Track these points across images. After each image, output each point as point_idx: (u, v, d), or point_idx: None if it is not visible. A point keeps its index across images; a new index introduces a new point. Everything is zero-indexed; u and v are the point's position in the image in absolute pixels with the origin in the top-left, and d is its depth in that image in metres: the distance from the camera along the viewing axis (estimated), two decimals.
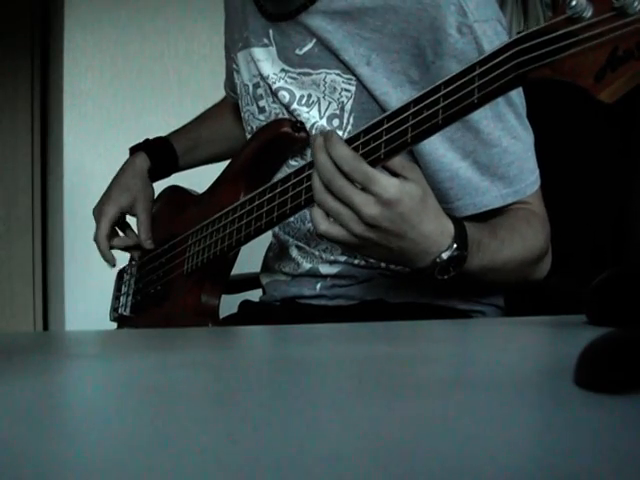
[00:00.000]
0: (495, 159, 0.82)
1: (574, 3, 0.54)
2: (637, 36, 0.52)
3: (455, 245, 0.71)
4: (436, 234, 0.71)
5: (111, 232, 1.07)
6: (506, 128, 0.82)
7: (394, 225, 0.68)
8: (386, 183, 0.66)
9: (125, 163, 1.11)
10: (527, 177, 0.83)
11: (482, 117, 0.80)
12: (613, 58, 0.53)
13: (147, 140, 1.13)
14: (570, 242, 1.01)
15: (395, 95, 0.82)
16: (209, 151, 1.21)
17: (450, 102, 0.63)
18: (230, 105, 1.21)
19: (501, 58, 0.60)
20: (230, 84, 1.15)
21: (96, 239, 1.06)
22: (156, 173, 1.12)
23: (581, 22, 0.54)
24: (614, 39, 0.53)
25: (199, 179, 1.16)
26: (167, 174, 1.15)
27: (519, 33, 0.59)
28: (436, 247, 0.71)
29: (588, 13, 0.54)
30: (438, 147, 0.82)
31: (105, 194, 1.09)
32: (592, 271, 0.56)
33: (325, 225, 0.70)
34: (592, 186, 1.05)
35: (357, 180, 0.67)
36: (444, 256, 0.71)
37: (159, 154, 1.12)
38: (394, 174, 0.68)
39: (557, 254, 0.88)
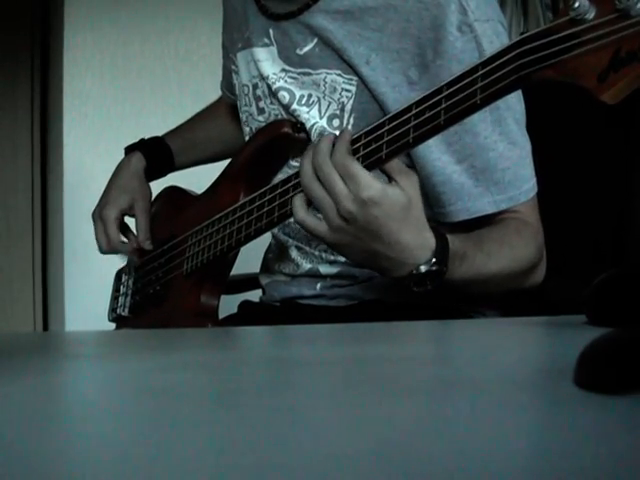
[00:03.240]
0: (491, 164, 0.81)
1: (577, 5, 0.54)
2: None
3: (434, 260, 0.71)
4: (414, 246, 0.70)
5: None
6: (504, 132, 0.81)
7: (370, 226, 0.68)
8: (365, 183, 0.67)
9: (120, 163, 1.10)
10: (522, 184, 0.83)
11: (481, 120, 0.80)
12: (616, 60, 0.53)
13: (142, 140, 1.13)
14: (570, 243, 1.01)
15: (392, 95, 0.82)
16: (204, 151, 1.21)
17: (452, 103, 0.63)
18: (226, 105, 1.21)
19: (504, 59, 0.60)
20: (227, 84, 1.15)
21: (111, 245, 1.05)
22: (151, 173, 1.11)
23: (584, 24, 0.54)
24: (617, 41, 0.53)
25: (198, 179, 1.16)
26: (162, 174, 1.14)
27: (522, 34, 0.59)
28: (413, 259, 0.71)
29: (591, 15, 0.54)
30: (432, 150, 0.82)
31: (103, 197, 1.08)
32: (592, 272, 0.56)
33: (303, 213, 0.71)
34: (592, 187, 1.05)
35: (340, 174, 0.68)
36: (422, 269, 0.71)
37: (154, 154, 1.12)
38: (389, 177, 0.68)
39: (557, 255, 0.88)
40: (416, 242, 0.70)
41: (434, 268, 0.71)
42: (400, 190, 0.68)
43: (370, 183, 0.67)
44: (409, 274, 0.71)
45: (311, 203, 0.72)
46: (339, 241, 0.71)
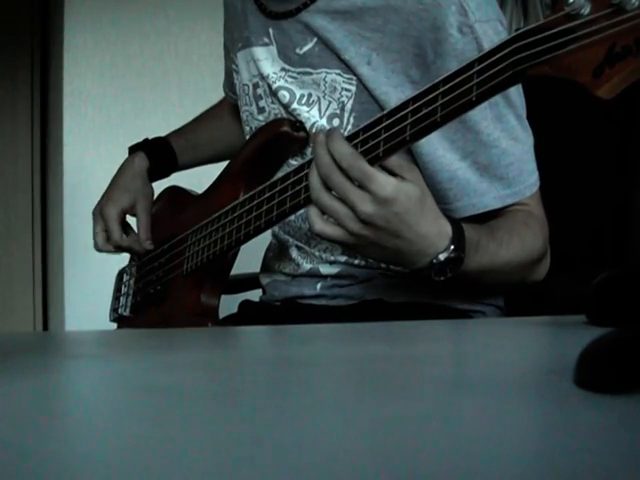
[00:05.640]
0: (494, 160, 0.82)
1: (572, 0, 0.54)
2: (635, 32, 0.52)
3: (452, 247, 0.71)
4: (433, 235, 0.70)
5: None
6: (506, 129, 0.82)
7: (390, 224, 0.68)
8: (383, 181, 0.66)
9: (124, 162, 1.11)
10: (526, 178, 0.83)
11: (482, 118, 0.80)
12: (611, 55, 0.53)
13: (146, 140, 1.13)
14: (570, 242, 1.01)
15: (395, 95, 0.82)
16: (208, 152, 1.21)
17: (449, 99, 0.63)
18: (229, 106, 1.21)
19: (499, 55, 0.60)
20: (229, 84, 1.15)
21: (112, 241, 1.05)
22: (155, 173, 1.11)
23: (579, 19, 0.55)
24: (612, 36, 0.53)
25: (199, 179, 1.16)
26: (166, 174, 1.15)
27: (517, 30, 0.59)
28: (433, 248, 0.71)
29: (586, 10, 0.54)
30: (437, 147, 0.82)
31: (105, 195, 1.09)
32: (592, 271, 0.56)
33: (320, 224, 0.70)
34: (592, 186, 1.05)
35: (355, 177, 0.67)
36: (441, 257, 0.71)
37: (158, 154, 1.12)
38: (392, 174, 0.68)
39: (557, 254, 0.88)
40: (434, 231, 0.70)
41: (453, 255, 0.71)
42: (411, 183, 0.68)
43: (387, 180, 0.66)
44: (430, 264, 0.72)
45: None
46: (361, 244, 0.71)
